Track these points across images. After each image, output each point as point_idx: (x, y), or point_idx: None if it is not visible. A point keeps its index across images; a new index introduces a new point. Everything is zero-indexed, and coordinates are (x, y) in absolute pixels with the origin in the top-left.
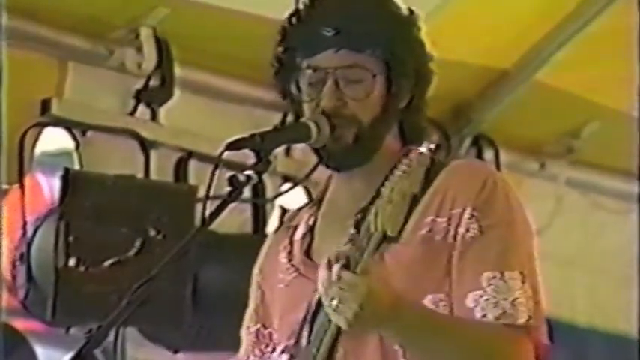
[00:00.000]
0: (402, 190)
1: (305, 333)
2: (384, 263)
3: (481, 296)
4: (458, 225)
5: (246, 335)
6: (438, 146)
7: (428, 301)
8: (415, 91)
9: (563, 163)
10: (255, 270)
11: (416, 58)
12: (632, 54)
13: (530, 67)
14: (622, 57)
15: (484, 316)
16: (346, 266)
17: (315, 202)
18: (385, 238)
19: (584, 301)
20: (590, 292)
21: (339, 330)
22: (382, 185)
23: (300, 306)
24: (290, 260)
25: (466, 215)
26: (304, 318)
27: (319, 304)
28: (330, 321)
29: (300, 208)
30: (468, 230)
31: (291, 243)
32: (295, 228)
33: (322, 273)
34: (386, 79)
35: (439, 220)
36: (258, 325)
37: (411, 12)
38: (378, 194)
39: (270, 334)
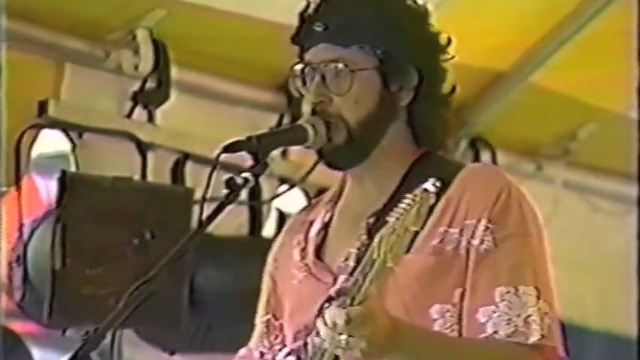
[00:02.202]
0: (404, 225)
1: (310, 339)
2: (393, 272)
3: (494, 312)
4: (472, 236)
5: (258, 325)
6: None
7: (435, 310)
8: (420, 89)
9: (560, 165)
10: (270, 259)
11: (415, 54)
12: (629, 56)
13: (527, 69)
14: (618, 59)
15: (495, 332)
16: (349, 300)
17: (333, 197)
18: (385, 266)
19: (582, 302)
20: (588, 293)
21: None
22: (397, 191)
23: (309, 308)
24: (303, 258)
25: (481, 227)
26: (312, 322)
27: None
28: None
29: (318, 200)
30: (482, 242)
31: (306, 239)
32: (311, 223)
33: (327, 314)
34: (381, 75)
35: (451, 230)
36: (269, 316)
37: (416, 8)
38: (390, 200)
39: (282, 326)
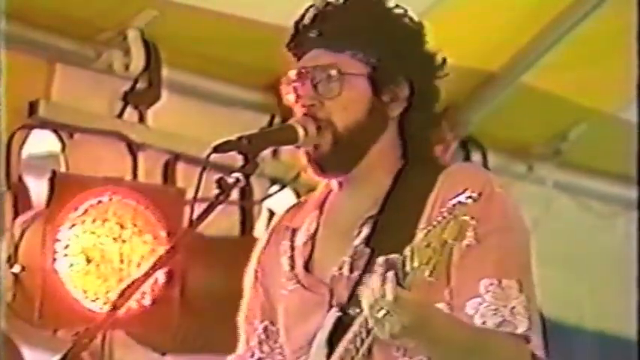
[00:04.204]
0: (442, 238)
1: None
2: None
3: (480, 303)
4: None
5: (248, 328)
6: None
7: None
8: (412, 101)
9: (551, 166)
10: (254, 262)
11: (407, 65)
12: (620, 56)
13: (518, 69)
14: (609, 59)
15: (484, 323)
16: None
17: (317, 206)
18: (423, 278)
19: (573, 302)
20: (579, 294)
21: (370, 349)
22: (387, 198)
23: (309, 320)
24: (293, 268)
25: None
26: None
27: (337, 324)
28: (362, 340)
29: (300, 206)
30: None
31: (292, 248)
32: (295, 231)
33: (373, 280)
34: (372, 84)
35: None
36: (266, 323)
37: (412, 24)
38: (383, 208)
39: (279, 330)
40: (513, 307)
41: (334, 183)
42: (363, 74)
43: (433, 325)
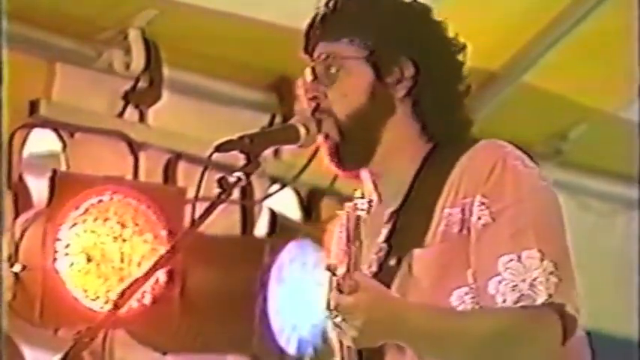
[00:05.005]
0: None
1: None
2: (411, 274)
3: (500, 282)
4: (470, 214)
5: None
6: None
7: (455, 298)
8: (418, 79)
9: (551, 165)
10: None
11: (407, 44)
12: (620, 56)
13: (519, 68)
14: (610, 59)
15: (504, 301)
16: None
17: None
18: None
19: None
20: (579, 293)
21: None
22: (410, 189)
23: None
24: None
25: (476, 203)
26: None
27: None
28: None
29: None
30: (479, 219)
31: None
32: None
33: (326, 289)
34: (373, 68)
35: (453, 211)
36: None
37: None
38: (405, 201)
39: None
40: (535, 279)
41: (369, 183)
42: (360, 58)
43: (404, 320)
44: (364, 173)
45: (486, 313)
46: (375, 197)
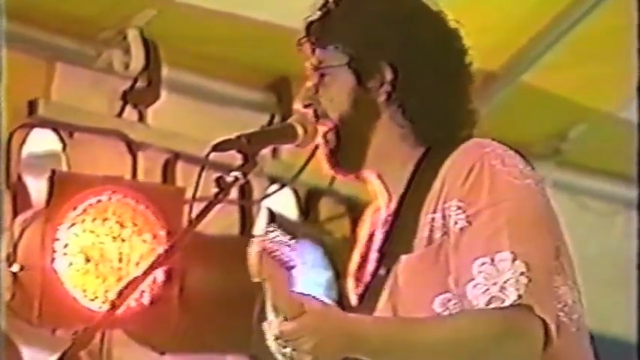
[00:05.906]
0: None
1: None
2: (397, 283)
3: (475, 286)
4: (449, 219)
5: None
6: None
7: (437, 304)
8: (396, 84)
9: (551, 165)
10: None
11: (386, 49)
12: (620, 55)
13: (518, 68)
14: (609, 59)
15: (477, 305)
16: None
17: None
18: None
19: None
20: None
21: None
22: (404, 195)
23: None
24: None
25: (453, 208)
26: None
27: None
28: None
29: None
30: (456, 223)
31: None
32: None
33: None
34: (354, 74)
35: (436, 216)
36: None
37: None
38: (400, 206)
39: None
40: (506, 281)
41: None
42: (342, 65)
43: (359, 336)
44: (370, 175)
45: (448, 317)
46: (385, 196)
